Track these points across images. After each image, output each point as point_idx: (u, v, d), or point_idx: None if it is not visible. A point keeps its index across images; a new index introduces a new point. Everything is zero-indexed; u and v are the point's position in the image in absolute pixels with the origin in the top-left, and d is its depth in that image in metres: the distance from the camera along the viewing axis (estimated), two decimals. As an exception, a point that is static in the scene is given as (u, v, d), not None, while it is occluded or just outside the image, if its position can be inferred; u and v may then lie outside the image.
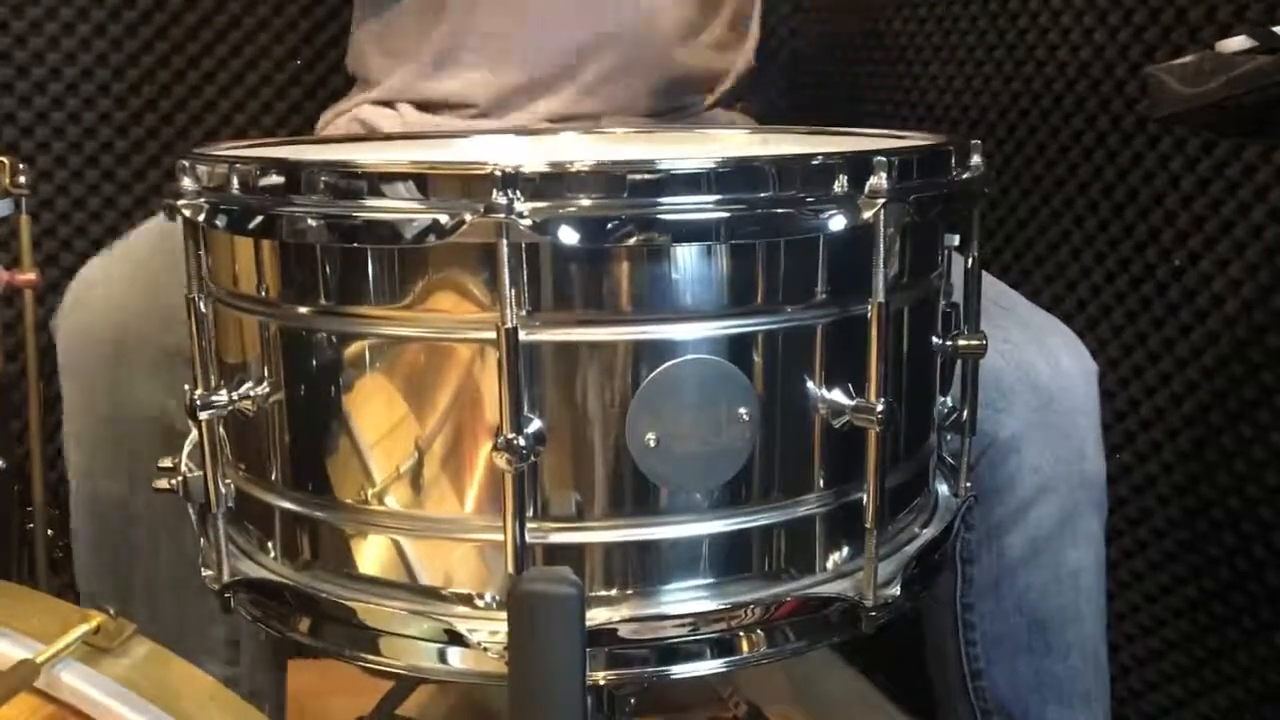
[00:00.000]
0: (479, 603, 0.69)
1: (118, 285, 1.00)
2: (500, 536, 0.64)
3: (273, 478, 0.73)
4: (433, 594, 0.69)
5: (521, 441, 0.63)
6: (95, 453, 1.02)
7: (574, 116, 1.19)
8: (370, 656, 0.70)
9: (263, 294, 0.71)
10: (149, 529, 1.02)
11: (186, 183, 0.70)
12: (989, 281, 0.88)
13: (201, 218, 0.69)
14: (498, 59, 1.18)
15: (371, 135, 1.19)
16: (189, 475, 0.77)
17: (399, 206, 0.64)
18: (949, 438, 0.84)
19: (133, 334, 0.98)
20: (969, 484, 0.83)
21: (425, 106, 1.21)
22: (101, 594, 1.03)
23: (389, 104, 1.22)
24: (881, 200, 0.65)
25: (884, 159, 0.66)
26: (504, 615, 0.58)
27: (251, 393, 0.71)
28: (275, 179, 0.67)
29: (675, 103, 1.23)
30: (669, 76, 1.21)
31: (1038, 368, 1.02)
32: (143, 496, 1.01)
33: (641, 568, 0.68)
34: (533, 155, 0.78)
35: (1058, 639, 1.07)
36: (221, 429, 0.74)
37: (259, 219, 0.67)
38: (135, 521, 1.02)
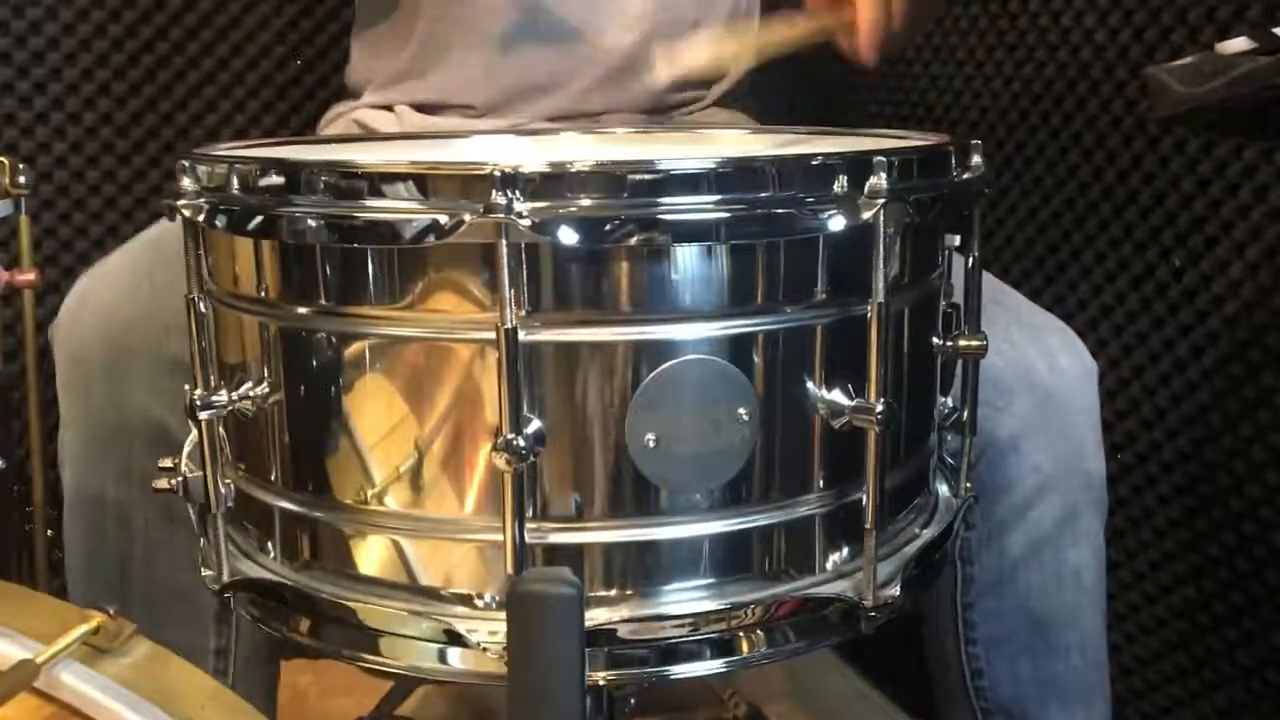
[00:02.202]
0: (478, 603, 0.69)
1: (114, 296, 1.00)
2: (500, 537, 0.64)
3: (272, 478, 0.73)
4: (432, 594, 0.69)
5: (521, 442, 0.63)
6: (91, 465, 1.02)
7: (574, 114, 1.19)
8: (370, 657, 0.70)
9: (263, 294, 0.71)
10: (144, 540, 1.01)
11: (186, 183, 0.70)
12: (988, 281, 0.87)
13: (201, 218, 0.69)
14: (495, 57, 1.17)
15: (371, 135, 1.19)
16: (189, 475, 0.77)
17: (399, 207, 0.64)
18: (949, 438, 0.84)
19: (130, 345, 0.97)
20: (969, 484, 0.83)
21: (422, 109, 1.20)
22: (93, 601, 1.03)
23: (387, 107, 1.22)
24: (881, 200, 0.65)
25: (884, 159, 0.66)
26: (503, 615, 0.58)
27: (251, 393, 0.71)
28: (275, 179, 0.67)
29: (676, 99, 1.23)
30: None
31: (1037, 367, 1.02)
32: (139, 507, 1.00)
33: (641, 568, 0.68)
34: (533, 155, 0.77)
35: (1058, 638, 1.07)
36: (221, 429, 0.74)
37: (259, 219, 0.67)
38: (130, 532, 1.02)
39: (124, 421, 0.98)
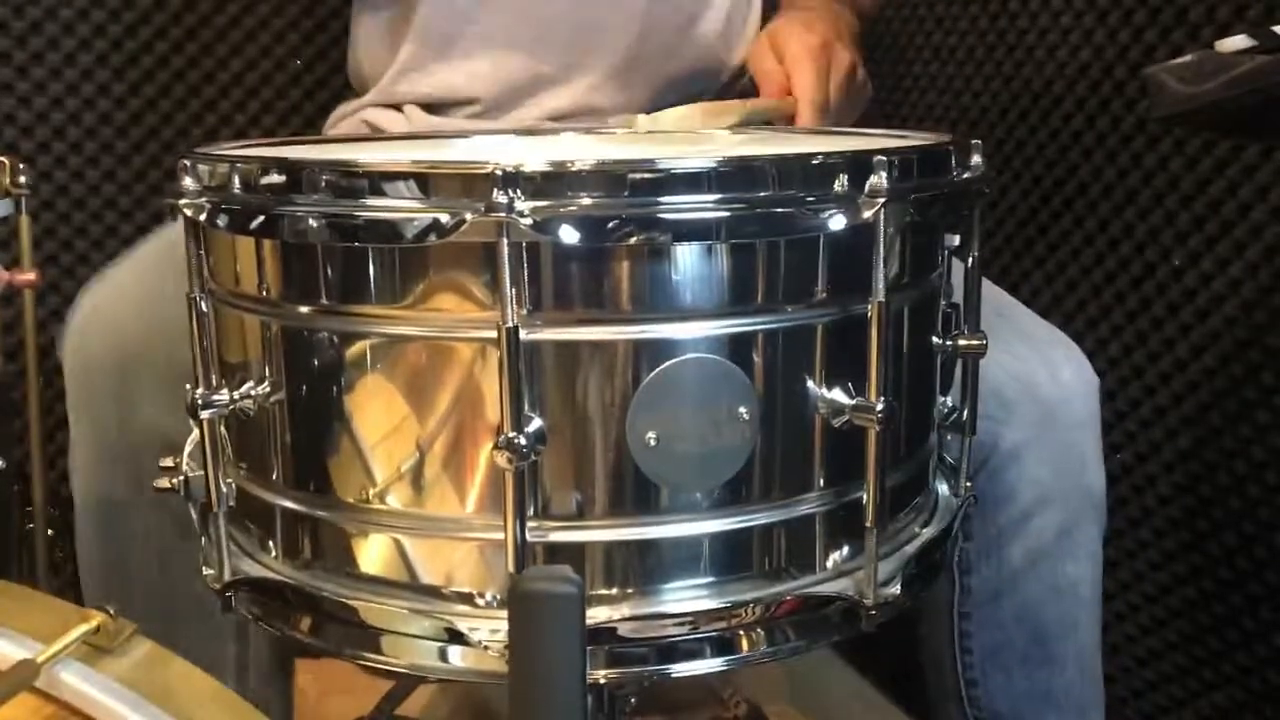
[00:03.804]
0: (480, 601, 0.69)
1: (122, 310, 0.99)
2: (501, 535, 0.65)
3: (274, 477, 0.73)
4: (433, 593, 0.69)
5: (522, 440, 0.63)
6: (102, 479, 1.02)
7: (579, 112, 1.19)
8: (371, 655, 0.70)
9: (264, 293, 0.71)
10: (159, 553, 1.01)
11: (188, 182, 0.70)
12: (990, 290, 0.87)
13: (203, 217, 0.69)
14: (500, 52, 1.18)
15: (373, 135, 1.19)
16: (190, 474, 0.77)
17: (400, 206, 0.64)
18: (949, 438, 0.84)
19: (139, 359, 0.97)
20: (969, 483, 0.83)
21: (430, 106, 1.20)
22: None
23: (395, 107, 1.22)
24: (881, 200, 0.65)
25: (884, 158, 0.66)
26: (504, 614, 0.58)
27: (253, 392, 0.71)
28: (276, 178, 0.67)
29: (678, 98, 1.23)
30: (670, 70, 1.21)
31: (1039, 380, 1.01)
32: (151, 520, 1.00)
33: (642, 567, 0.68)
34: (533, 155, 0.78)
35: (1055, 650, 1.07)
36: (222, 428, 0.74)
37: (260, 218, 0.67)
38: (144, 546, 1.02)
39: (134, 435, 0.98)
